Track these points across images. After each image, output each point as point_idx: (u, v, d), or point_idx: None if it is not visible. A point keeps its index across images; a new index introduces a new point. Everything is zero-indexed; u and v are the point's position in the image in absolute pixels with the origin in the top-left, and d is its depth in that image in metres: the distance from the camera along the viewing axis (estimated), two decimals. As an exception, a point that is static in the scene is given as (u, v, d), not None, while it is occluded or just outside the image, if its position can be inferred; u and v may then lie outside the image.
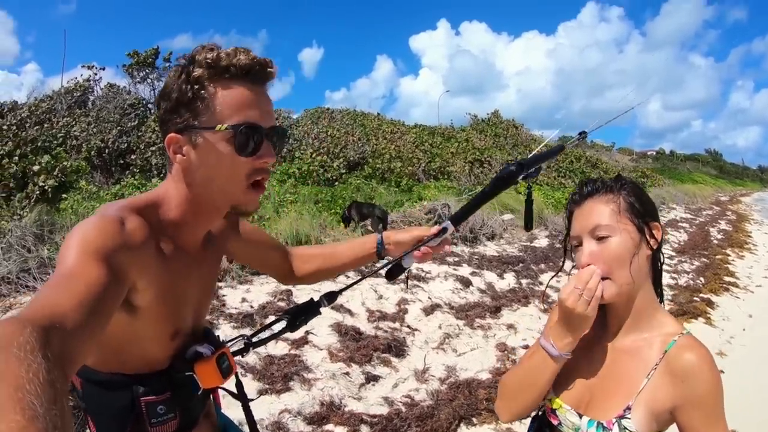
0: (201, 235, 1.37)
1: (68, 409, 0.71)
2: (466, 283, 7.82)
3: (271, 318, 5.47)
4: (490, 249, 10.31)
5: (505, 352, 5.64)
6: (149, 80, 14.69)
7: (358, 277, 1.84)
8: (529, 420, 1.56)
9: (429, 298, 6.93)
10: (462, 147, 20.78)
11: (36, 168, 8.31)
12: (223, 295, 5.78)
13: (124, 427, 1.29)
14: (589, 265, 1.32)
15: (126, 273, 1.08)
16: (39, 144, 9.98)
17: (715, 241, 15.57)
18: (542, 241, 11.84)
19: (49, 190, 8.15)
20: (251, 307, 5.64)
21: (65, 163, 8.82)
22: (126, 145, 11.45)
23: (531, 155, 1.63)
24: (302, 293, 5.97)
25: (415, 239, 1.72)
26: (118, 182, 10.48)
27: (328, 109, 24.01)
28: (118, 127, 11.66)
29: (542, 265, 9.54)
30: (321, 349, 5.02)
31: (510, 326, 6.42)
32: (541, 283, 8.38)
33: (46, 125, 11.61)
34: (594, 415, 1.33)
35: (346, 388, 4.46)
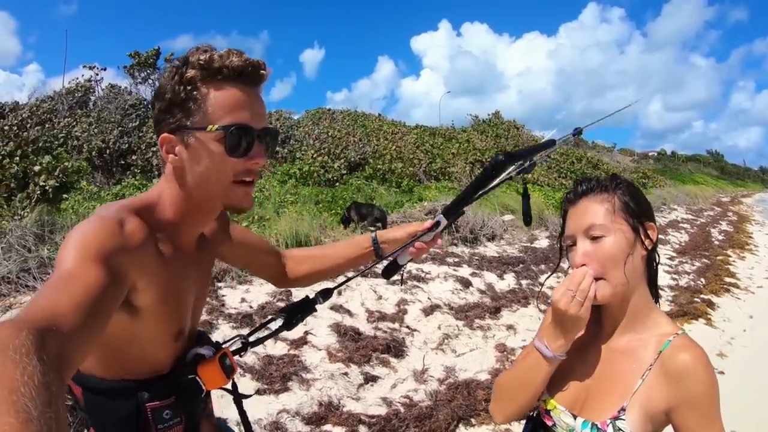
0: (196, 234, 1.37)
1: (64, 412, 0.70)
2: (465, 283, 7.82)
3: (272, 315, 5.48)
4: (490, 250, 10.30)
5: (505, 352, 5.63)
6: (150, 81, 14.70)
7: (353, 275, 1.83)
8: (524, 421, 1.55)
9: (429, 298, 6.93)
10: (463, 148, 20.78)
11: (37, 168, 8.32)
12: (223, 295, 5.78)
13: None
14: (583, 265, 1.31)
15: (125, 274, 1.09)
16: (40, 144, 9.99)
17: (716, 242, 15.55)
18: (542, 242, 11.83)
19: (50, 190, 8.15)
20: (250, 307, 5.64)
21: (66, 163, 8.83)
22: (127, 145, 11.47)
23: (522, 148, 1.63)
24: (302, 293, 5.96)
25: (410, 235, 1.72)
26: (119, 183, 10.52)
27: (329, 109, 24.04)
28: (119, 128, 11.69)
29: (542, 266, 9.53)
30: (320, 350, 5.02)
31: (510, 327, 6.42)
32: (541, 284, 8.37)
33: (47, 125, 11.64)
34: (588, 416, 1.32)
35: (344, 388, 4.46)
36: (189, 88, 1.18)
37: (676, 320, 7.09)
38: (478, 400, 4.45)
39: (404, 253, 1.70)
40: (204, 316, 5.06)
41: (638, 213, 1.34)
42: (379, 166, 15.53)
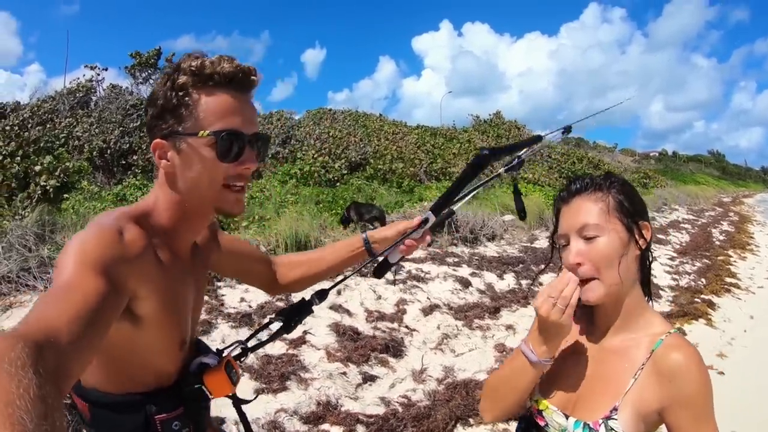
0: (191, 241, 1.38)
1: (60, 424, 0.71)
2: (465, 283, 7.82)
3: (269, 317, 5.48)
4: (490, 250, 10.30)
5: (504, 353, 5.63)
6: (152, 81, 14.71)
7: (349, 273, 1.84)
8: (517, 421, 1.55)
9: (428, 298, 6.93)
10: (464, 148, 20.78)
11: (38, 168, 8.34)
12: (222, 295, 5.78)
13: None
14: (578, 264, 1.30)
15: (125, 283, 1.09)
16: (41, 144, 10.00)
17: (717, 243, 15.53)
18: (543, 242, 11.81)
19: (51, 190, 8.17)
20: (250, 306, 5.65)
21: (67, 163, 8.85)
22: (128, 145, 11.48)
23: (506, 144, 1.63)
24: (301, 293, 5.96)
25: (400, 233, 1.73)
26: (120, 183, 10.53)
27: (330, 110, 24.03)
28: (120, 128, 11.69)
29: (543, 266, 9.51)
30: (318, 349, 5.02)
31: (509, 327, 6.41)
32: (541, 284, 8.35)
33: (48, 126, 11.65)
34: (581, 416, 1.32)
35: (342, 387, 4.47)
36: (181, 94, 1.19)
37: (676, 320, 7.10)
38: (476, 400, 4.45)
39: (395, 251, 1.71)
40: (203, 316, 5.07)
41: (632, 212, 1.33)
42: (379, 167, 15.54)
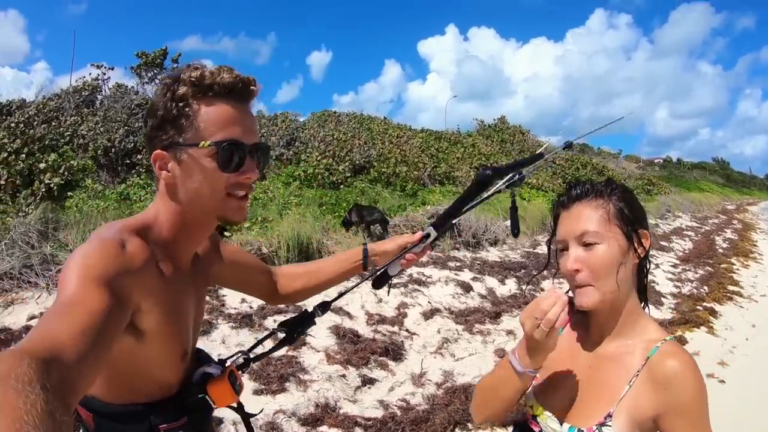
0: (192, 252, 1.38)
1: None
2: (466, 288, 7.81)
3: (270, 320, 5.49)
4: (492, 254, 10.29)
5: (504, 358, 5.63)
6: (157, 81, 14.74)
7: (352, 285, 1.85)
8: (512, 427, 1.56)
9: (429, 302, 6.92)
10: (468, 152, 20.79)
11: (42, 166, 8.36)
12: (223, 295, 5.79)
13: None
14: (576, 270, 1.30)
15: (129, 296, 1.09)
16: (46, 142, 10.02)
17: (720, 250, 15.50)
18: (545, 248, 11.80)
19: (55, 188, 8.19)
20: (250, 307, 5.65)
21: (72, 161, 8.87)
22: (132, 144, 11.50)
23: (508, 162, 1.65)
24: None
25: (400, 247, 1.75)
26: (124, 182, 10.55)
27: (335, 112, 24.05)
28: (125, 127, 11.71)
29: (545, 272, 9.49)
30: (318, 351, 5.03)
31: (509, 332, 6.41)
32: (542, 290, 8.36)
33: (53, 123, 11.67)
34: (575, 422, 1.31)
35: (341, 390, 4.47)
36: (181, 104, 1.18)
37: (678, 328, 7.09)
38: (475, 404, 4.45)
39: (395, 264, 1.74)
40: (204, 317, 5.08)
41: (632, 220, 1.32)
42: (383, 170, 15.54)
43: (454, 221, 1.76)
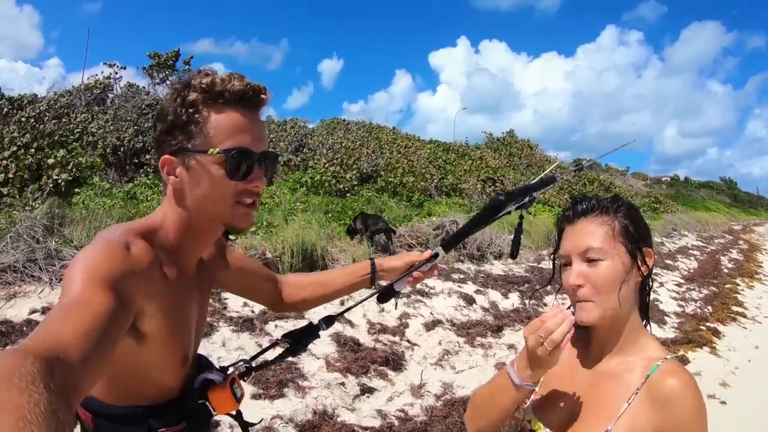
0: (197, 258, 1.38)
1: None
2: (469, 300, 7.79)
3: (272, 325, 5.49)
4: (496, 268, 10.27)
5: (502, 369, 5.61)
6: (169, 82, 14.82)
7: (358, 301, 1.85)
8: None
9: (431, 313, 6.91)
10: (476, 165, 20.79)
11: (51, 161, 8.41)
12: (225, 298, 5.79)
13: None
14: (578, 285, 1.29)
15: (133, 298, 1.09)
16: (56, 138, 10.09)
17: (726, 270, 15.45)
18: (550, 263, 11.78)
19: (63, 183, 8.24)
20: (252, 312, 5.65)
21: (80, 158, 8.92)
22: (141, 144, 11.53)
23: (520, 186, 1.66)
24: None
25: (408, 265, 1.76)
26: (132, 181, 10.57)
27: (344, 120, 24.12)
28: (135, 127, 11.76)
29: (548, 287, 9.47)
30: (318, 358, 5.02)
31: (511, 346, 6.39)
32: (545, 305, 8.34)
33: (64, 120, 11.72)
34: None
35: (340, 398, 4.46)
36: (191, 110, 1.19)
37: (680, 348, 7.06)
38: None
39: (402, 281, 1.74)
40: (206, 321, 5.09)
41: (637, 238, 1.31)
42: (390, 179, 15.55)
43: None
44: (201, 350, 1.53)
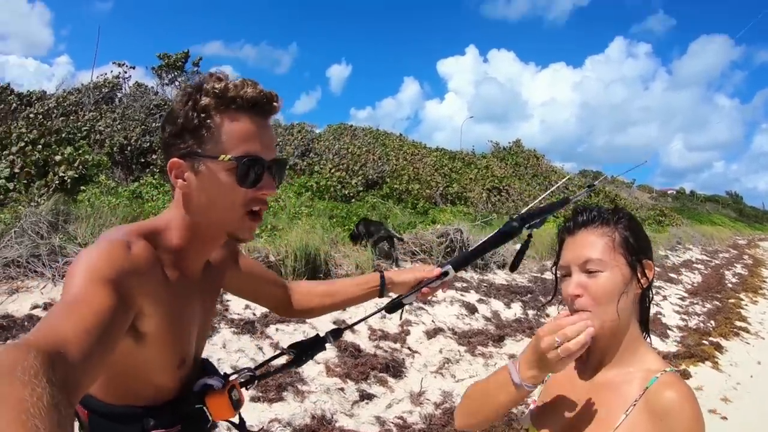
0: (202, 262, 1.37)
1: None
2: (471, 309, 7.78)
3: (273, 328, 5.48)
4: (499, 277, 10.24)
5: (503, 366, 5.59)
6: (177, 83, 14.89)
7: (367, 315, 1.88)
8: None
9: (433, 321, 6.90)
10: (481, 174, 20.79)
11: (58, 158, 8.45)
12: (227, 301, 5.78)
13: None
14: (577, 295, 1.28)
15: (133, 298, 1.09)
16: (63, 135, 10.14)
17: (729, 285, 15.42)
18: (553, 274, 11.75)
19: (69, 180, 8.27)
20: (254, 314, 5.64)
21: (87, 156, 8.95)
22: (148, 144, 11.57)
23: (535, 203, 1.67)
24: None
25: (417, 280, 1.77)
26: (137, 180, 10.60)
27: (351, 126, 24.16)
28: (143, 126, 11.80)
29: (549, 297, 9.45)
30: (318, 363, 5.00)
31: (512, 356, 6.35)
32: (548, 315, 8.31)
33: (72, 117, 11.79)
34: None
35: (339, 403, 4.45)
36: (203, 115, 1.18)
37: (682, 362, 7.03)
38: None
39: (411, 296, 1.76)
40: (211, 325, 5.09)
41: (637, 250, 1.31)
42: (396, 186, 15.57)
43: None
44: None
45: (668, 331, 8.84)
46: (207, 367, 1.48)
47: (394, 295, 1.81)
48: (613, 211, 1.37)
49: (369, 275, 1.86)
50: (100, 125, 11.57)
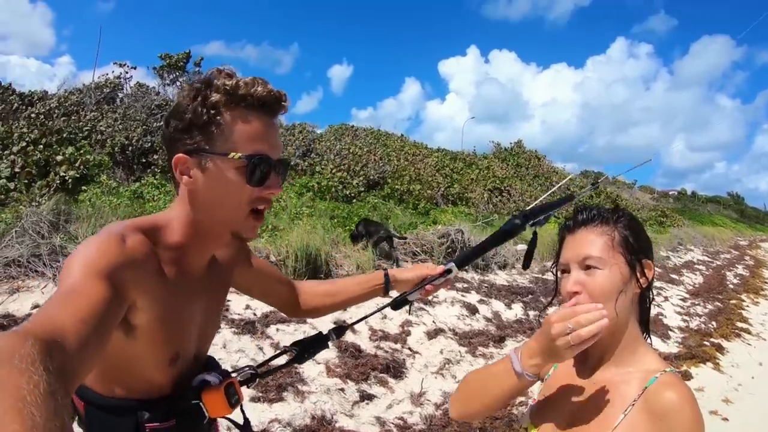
0: (204, 260, 1.37)
1: (69, 423, 0.71)
2: (472, 310, 7.77)
3: (273, 329, 5.48)
4: (500, 278, 10.23)
5: (505, 357, 5.58)
6: (179, 83, 14.88)
7: (368, 314, 1.89)
8: None
9: (433, 322, 6.89)
10: (483, 174, 20.78)
11: (59, 158, 8.46)
12: (228, 300, 5.78)
13: None
14: (575, 292, 1.28)
15: (127, 290, 1.10)
16: (64, 135, 10.14)
17: (731, 286, 15.41)
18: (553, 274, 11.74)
19: (70, 180, 8.28)
20: (254, 315, 5.64)
21: (88, 156, 8.96)
22: (150, 144, 11.56)
23: (537, 202, 1.68)
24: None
25: (420, 278, 1.78)
26: (139, 180, 10.59)
27: (352, 126, 24.17)
28: (144, 126, 11.79)
29: (551, 298, 9.44)
30: (318, 363, 5.00)
31: (513, 356, 6.35)
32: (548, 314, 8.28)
33: (73, 117, 11.78)
34: None
35: (339, 404, 4.44)
36: (212, 112, 1.18)
37: (683, 363, 7.02)
38: (473, 427, 4.41)
39: (415, 293, 1.77)
40: (218, 324, 5.09)
41: (637, 249, 1.31)
42: (397, 186, 15.56)
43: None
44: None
45: (669, 332, 8.84)
46: (211, 365, 1.48)
47: (396, 294, 1.82)
48: (613, 210, 1.38)
49: (372, 273, 1.88)
50: (101, 125, 11.57)
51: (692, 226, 32.83)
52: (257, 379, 1.62)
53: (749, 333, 9.64)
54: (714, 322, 10.03)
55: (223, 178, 1.20)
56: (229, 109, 1.18)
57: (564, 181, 2.79)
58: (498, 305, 8.40)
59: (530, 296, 9.26)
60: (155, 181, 10.20)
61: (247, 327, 5.31)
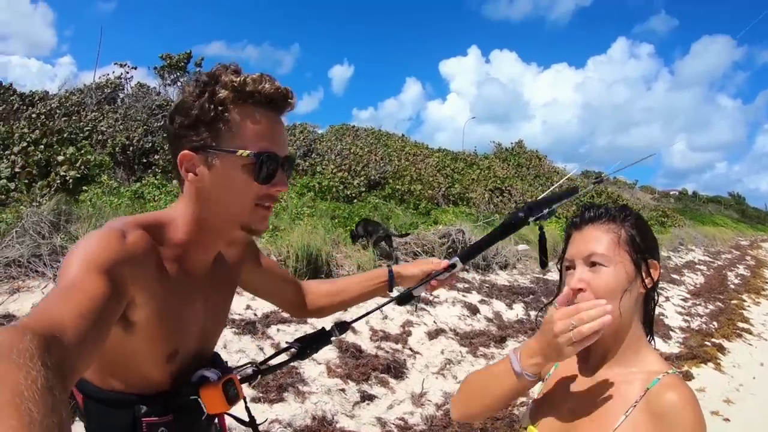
0: (209, 257, 1.36)
1: (67, 418, 0.70)
2: (473, 310, 7.76)
3: (274, 329, 5.47)
4: (501, 278, 10.22)
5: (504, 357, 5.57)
6: (180, 83, 14.89)
7: (370, 310, 1.87)
8: None
9: (434, 322, 6.88)
10: (483, 174, 20.78)
11: (60, 158, 8.46)
12: (229, 301, 5.77)
13: None
14: (579, 289, 1.28)
15: (126, 286, 1.09)
16: (65, 135, 10.14)
17: (732, 286, 15.40)
18: (555, 274, 11.70)
19: (71, 180, 8.28)
20: (255, 315, 5.63)
21: (89, 156, 8.96)
22: (150, 144, 11.56)
23: (541, 197, 1.67)
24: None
25: (425, 273, 1.78)
26: (140, 180, 10.59)
27: (353, 126, 24.21)
28: (145, 126, 11.79)
29: (552, 298, 9.43)
30: (319, 363, 5.00)
31: (514, 356, 6.34)
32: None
33: (74, 117, 11.78)
34: None
35: (340, 404, 4.44)
36: (220, 108, 1.17)
37: (684, 363, 7.01)
38: (473, 428, 4.40)
39: (420, 288, 1.78)
40: (223, 323, 5.09)
41: (643, 249, 1.31)
42: (398, 187, 15.55)
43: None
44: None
45: (671, 332, 8.83)
46: (216, 362, 1.47)
47: (401, 290, 1.82)
48: (620, 208, 1.38)
49: (376, 271, 1.87)
50: (102, 125, 11.57)
51: (693, 227, 32.83)
52: (258, 376, 1.61)
53: (750, 333, 9.63)
54: (715, 323, 10.02)
55: (230, 175, 1.19)
56: (236, 105, 1.17)
57: (565, 179, 2.78)
58: (499, 305, 8.39)
59: (531, 296, 9.26)
60: (156, 182, 10.20)
61: (248, 327, 5.31)
